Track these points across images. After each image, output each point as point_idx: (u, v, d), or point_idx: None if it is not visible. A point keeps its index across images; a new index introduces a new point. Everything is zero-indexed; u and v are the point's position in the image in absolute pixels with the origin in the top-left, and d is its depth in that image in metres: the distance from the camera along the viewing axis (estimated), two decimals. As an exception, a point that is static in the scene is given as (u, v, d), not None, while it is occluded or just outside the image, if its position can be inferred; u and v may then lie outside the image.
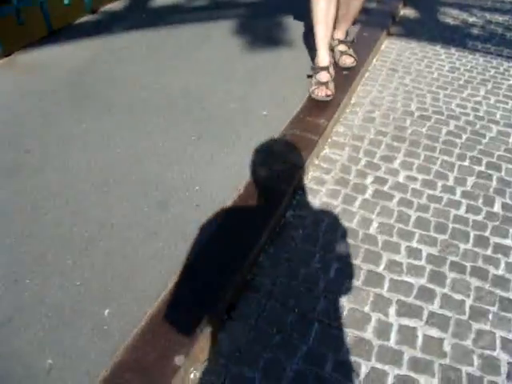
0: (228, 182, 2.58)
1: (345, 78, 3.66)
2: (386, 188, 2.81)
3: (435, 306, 2.19)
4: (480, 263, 2.39)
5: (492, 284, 2.29)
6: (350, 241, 2.47)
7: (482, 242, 2.51)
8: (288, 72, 3.63)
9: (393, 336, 2.07)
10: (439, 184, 2.86)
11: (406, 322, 2.12)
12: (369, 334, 2.07)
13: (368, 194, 2.76)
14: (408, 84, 3.85)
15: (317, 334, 2.05)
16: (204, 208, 2.41)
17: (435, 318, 2.14)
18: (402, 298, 2.22)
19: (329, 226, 2.54)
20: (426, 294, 2.24)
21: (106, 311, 1.95)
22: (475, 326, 2.12)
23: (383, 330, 2.08)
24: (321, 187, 2.79)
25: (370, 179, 2.86)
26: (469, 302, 2.21)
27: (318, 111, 3.22)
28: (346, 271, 2.31)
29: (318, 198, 2.71)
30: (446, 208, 2.70)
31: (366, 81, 3.86)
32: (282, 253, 2.39)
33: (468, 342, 2.06)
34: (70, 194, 2.43)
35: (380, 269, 2.34)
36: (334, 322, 2.10)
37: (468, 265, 2.38)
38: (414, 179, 2.88)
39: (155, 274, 2.09)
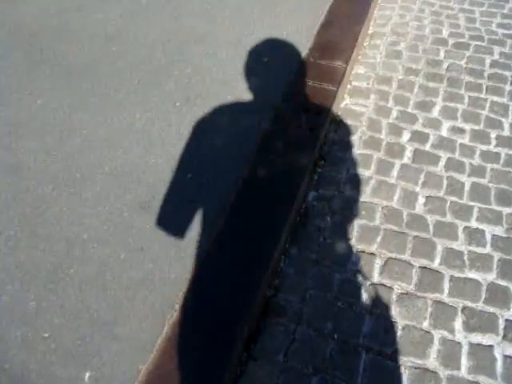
0: (229, 163, 1.95)
1: (357, 3, 2.90)
2: (427, 147, 2.17)
3: (511, 312, 1.65)
4: (562, 244, 1.82)
5: None
6: (392, 227, 1.88)
7: (558, 212, 1.92)
8: (288, 0, 2.85)
9: (464, 361, 1.54)
10: (493, 135, 2.21)
11: (478, 338, 1.59)
12: (433, 361, 1.54)
13: (407, 158, 2.13)
14: (434, 2, 3.06)
15: (366, 368, 1.53)
16: (201, 205, 1.81)
17: (515, 330, 1.61)
18: (469, 303, 1.67)
19: (363, 209, 1.94)
20: (498, 296, 1.69)
21: (87, 375, 1.42)
22: None
23: (451, 354, 1.56)
24: (347, 153, 2.15)
25: (406, 136, 2.22)
26: (555, 302, 1.67)
27: (330, 50, 2.50)
28: (393, 271, 1.75)
29: (345, 170, 2.08)
30: (506, 168, 2.08)
31: (383, 3, 3.08)
32: (308, 253, 1.81)
33: None
34: (27, 202, 1.82)
35: (435, 264, 1.77)
36: (387, 349, 1.57)
37: (547, 248, 1.81)
38: (461, 131, 2.24)
39: (146, 312, 1.53)
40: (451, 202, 1.96)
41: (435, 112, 2.33)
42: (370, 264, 1.77)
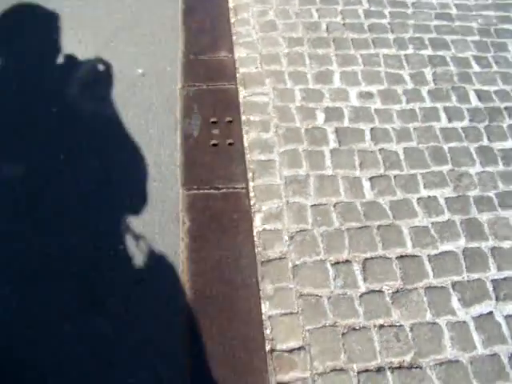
0: (160, 210, 1.68)
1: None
2: (346, 122, 2.13)
3: (493, 271, 1.74)
4: (504, 187, 1.95)
5: (531, 209, 1.89)
6: (353, 224, 1.83)
7: (488, 154, 2.05)
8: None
9: (476, 337, 1.61)
10: (399, 91, 2.25)
11: (477, 309, 1.67)
12: (450, 350, 1.59)
13: (333, 141, 2.06)
14: (279, -45, 2.94)
15: (398, 389, 1.49)
16: (151, 284, 1.54)
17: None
18: (455, 277, 1.73)
19: (316, 214, 1.84)
20: (475, 260, 1.77)
21: None
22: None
23: (463, 336, 1.62)
24: (271, 155, 2.01)
25: (321, 117, 2.14)
26: (522, 246, 1.80)
27: (207, 40, 2.27)
28: (375, 273, 1.71)
29: (278, 176, 1.94)
30: (427, 124, 2.15)
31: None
32: (284, 285, 1.67)
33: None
34: None
35: (409, 248, 1.79)
36: (406, 357, 1.55)
37: (494, 197, 1.93)
38: (370, 96, 2.23)
39: None
40: (394, 176, 1.96)
41: (337, 81, 2.28)
42: (351, 273, 1.71)
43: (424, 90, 2.25)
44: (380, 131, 2.10)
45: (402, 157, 2.02)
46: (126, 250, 1.63)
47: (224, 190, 1.77)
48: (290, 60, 2.35)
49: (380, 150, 2.04)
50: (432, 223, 1.84)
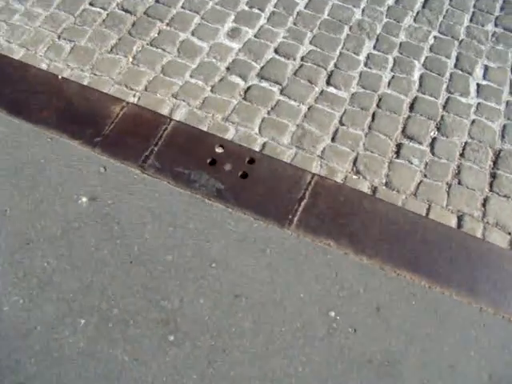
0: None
1: None
2: (257, 66, 2.14)
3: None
4: (387, 20, 2.33)
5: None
6: (361, 131, 2.01)
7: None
8: None
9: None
10: (254, 10, 2.29)
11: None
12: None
13: (276, 88, 2.07)
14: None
15: None
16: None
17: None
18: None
19: (348, 139, 1.96)
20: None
21: None
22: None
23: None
24: (257, 141, 1.94)
25: (238, 79, 2.09)
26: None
27: (87, 118, 1.87)
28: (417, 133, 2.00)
29: (286, 153, 1.92)
30: (303, 26, 2.29)
31: None
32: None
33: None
34: None
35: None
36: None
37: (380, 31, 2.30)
38: (237, 31, 2.22)
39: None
40: (328, 74, 2.15)
41: (201, 44, 2.19)
42: (410, 148, 1.95)
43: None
44: (283, 47, 2.18)
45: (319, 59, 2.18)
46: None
47: (307, 193, 1.73)
48: (139, 60, 2.09)
49: (303, 65, 2.15)
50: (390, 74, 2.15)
